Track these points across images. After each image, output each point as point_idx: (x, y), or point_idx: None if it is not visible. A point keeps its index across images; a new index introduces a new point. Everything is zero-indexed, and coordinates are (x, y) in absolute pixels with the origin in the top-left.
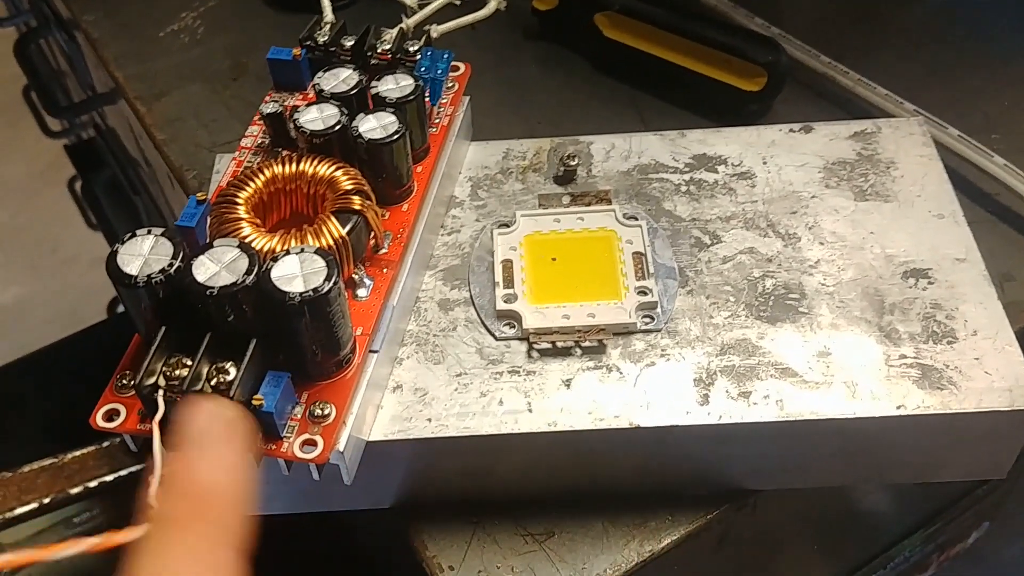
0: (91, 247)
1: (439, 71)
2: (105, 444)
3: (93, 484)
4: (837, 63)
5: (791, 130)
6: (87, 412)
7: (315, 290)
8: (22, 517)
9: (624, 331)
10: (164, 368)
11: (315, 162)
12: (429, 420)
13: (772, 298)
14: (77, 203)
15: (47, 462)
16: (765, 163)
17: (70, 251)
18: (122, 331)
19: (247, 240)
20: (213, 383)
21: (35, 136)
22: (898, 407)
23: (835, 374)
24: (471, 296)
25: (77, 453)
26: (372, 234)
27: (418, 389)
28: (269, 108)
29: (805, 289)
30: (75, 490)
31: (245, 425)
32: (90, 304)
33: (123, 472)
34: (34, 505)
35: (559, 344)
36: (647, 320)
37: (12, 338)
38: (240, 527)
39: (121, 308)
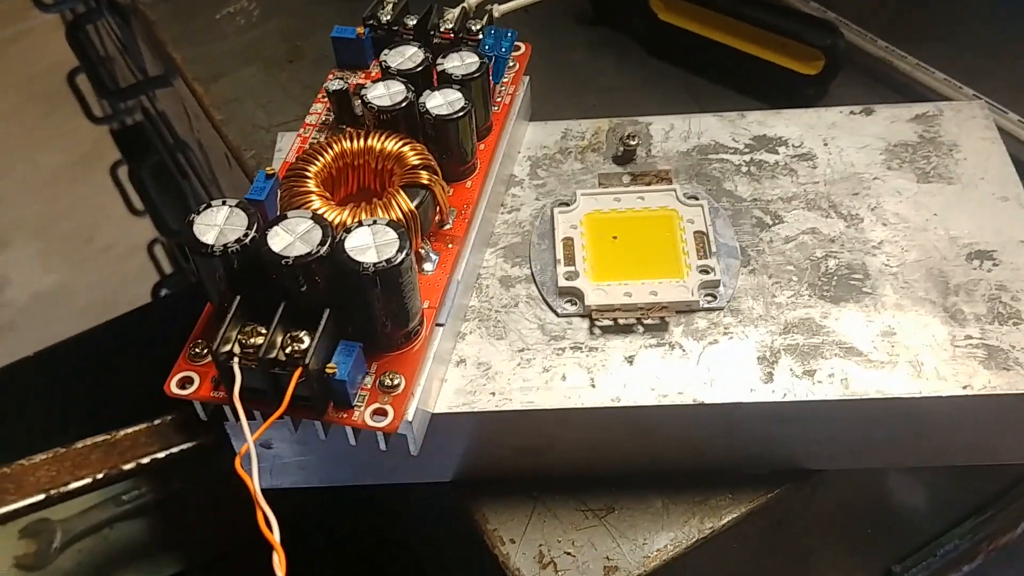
0: (129, 235)
1: (503, 49)
2: (156, 422)
3: (145, 460)
4: (894, 47)
5: (852, 112)
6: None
7: (388, 261)
8: (75, 492)
9: (686, 309)
10: (239, 336)
11: (383, 137)
12: (493, 394)
13: (835, 278)
14: (120, 189)
15: (100, 438)
16: (826, 145)
17: (108, 239)
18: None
19: (319, 212)
20: (288, 351)
21: (74, 125)
22: (964, 387)
23: (900, 354)
24: (532, 273)
25: (129, 430)
26: (438, 209)
27: (481, 363)
28: (335, 85)
29: (868, 269)
30: (127, 466)
31: None
32: (127, 292)
33: (174, 449)
34: (87, 480)
35: (621, 321)
36: (709, 298)
37: (49, 326)
38: None
39: (164, 293)
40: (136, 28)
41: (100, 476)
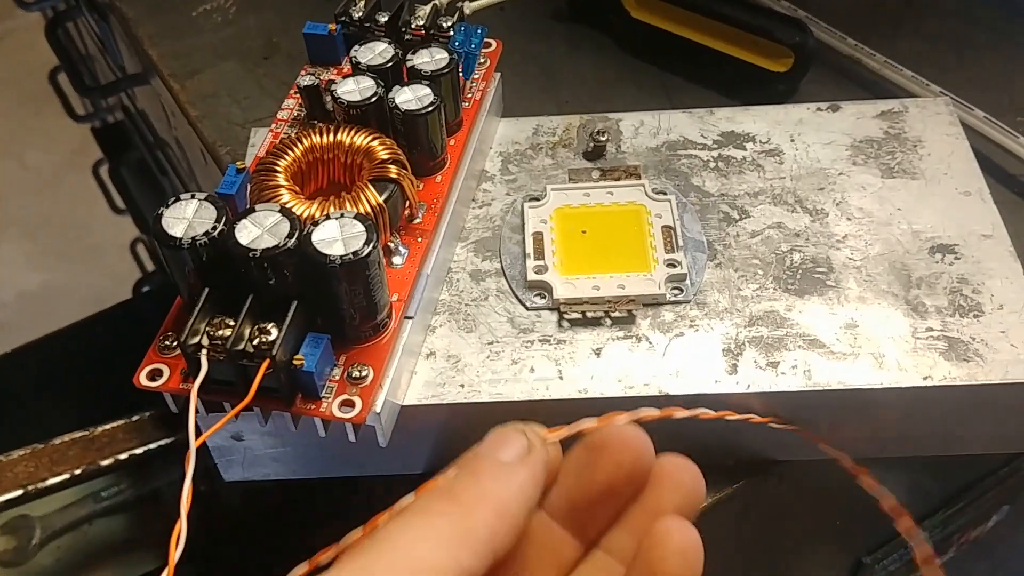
0: (116, 234)
1: (473, 45)
2: (135, 418)
3: (123, 456)
4: (863, 45)
5: (819, 109)
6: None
7: (355, 253)
8: (53, 488)
9: (653, 302)
10: (207, 328)
11: (352, 132)
12: (462, 386)
13: (800, 271)
14: (102, 187)
15: (78, 434)
16: (793, 140)
17: (96, 238)
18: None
19: (287, 206)
20: (255, 343)
21: (61, 124)
22: (924, 378)
23: (862, 346)
24: (502, 267)
25: (107, 426)
26: (407, 203)
27: (451, 356)
28: (306, 81)
29: (832, 263)
30: (105, 462)
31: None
32: (115, 291)
33: (152, 445)
34: (65, 476)
35: (589, 314)
36: (676, 292)
37: (37, 325)
38: (492, 542)
39: (146, 289)
40: (114, 25)
41: (78, 472)
